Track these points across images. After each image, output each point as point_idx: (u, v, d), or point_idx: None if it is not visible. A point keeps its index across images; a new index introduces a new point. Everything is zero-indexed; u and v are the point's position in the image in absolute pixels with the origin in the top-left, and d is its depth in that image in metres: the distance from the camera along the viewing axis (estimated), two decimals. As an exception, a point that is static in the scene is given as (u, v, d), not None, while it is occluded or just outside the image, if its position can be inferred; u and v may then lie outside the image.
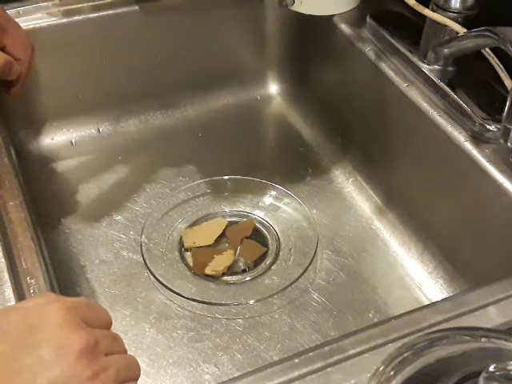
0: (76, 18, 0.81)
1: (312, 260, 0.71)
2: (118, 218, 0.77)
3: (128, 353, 0.43)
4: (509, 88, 0.63)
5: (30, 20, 0.78)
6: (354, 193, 0.81)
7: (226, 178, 0.80)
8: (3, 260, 0.53)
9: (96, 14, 0.81)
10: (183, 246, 0.73)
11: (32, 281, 0.52)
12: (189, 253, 0.73)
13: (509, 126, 0.60)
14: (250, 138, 0.90)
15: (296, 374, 0.43)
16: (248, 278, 0.70)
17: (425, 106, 0.69)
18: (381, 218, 0.78)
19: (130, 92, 0.88)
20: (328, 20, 0.81)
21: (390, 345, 0.45)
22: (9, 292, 0.51)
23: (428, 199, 0.72)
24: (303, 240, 0.74)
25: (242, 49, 0.92)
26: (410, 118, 0.71)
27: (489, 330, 0.43)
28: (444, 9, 0.67)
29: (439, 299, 0.52)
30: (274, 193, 0.79)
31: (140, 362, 0.42)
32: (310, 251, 0.72)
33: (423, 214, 0.73)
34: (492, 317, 0.47)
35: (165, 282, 0.68)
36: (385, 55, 0.75)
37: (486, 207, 0.64)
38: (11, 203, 0.59)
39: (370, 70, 0.76)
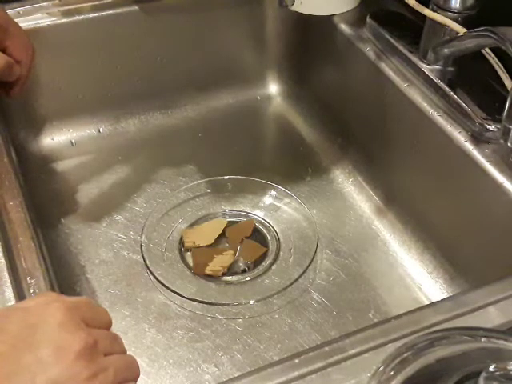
0: (76, 17, 0.81)
1: (312, 260, 0.71)
2: (118, 217, 0.77)
3: (128, 353, 0.43)
4: (509, 88, 0.63)
5: (30, 20, 0.79)
6: (354, 193, 0.81)
7: (226, 178, 0.80)
8: (3, 260, 0.53)
9: (96, 14, 0.81)
10: (183, 245, 0.73)
11: (32, 281, 0.52)
12: (189, 253, 0.73)
13: (509, 126, 0.60)
14: (250, 138, 0.90)
15: (296, 373, 0.43)
16: (248, 278, 0.70)
17: (425, 105, 0.69)
18: (381, 218, 0.77)
19: (129, 92, 0.88)
20: (328, 20, 0.81)
21: (389, 345, 0.45)
22: (9, 292, 0.51)
23: (428, 199, 0.72)
24: (303, 240, 0.74)
25: (242, 49, 0.92)
26: (410, 118, 0.71)
27: (489, 330, 0.43)
28: (444, 9, 0.67)
29: (439, 299, 0.52)
30: (274, 193, 0.79)
31: (140, 362, 0.42)
32: (309, 251, 0.72)
33: (423, 213, 0.73)
34: (492, 317, 0.47)
35: (165, 282, 0.68)
36: (385, 55, 0.75)
37: (486, 207, 0.64)
38: (11, 203, 0.59)
39: (370, 70, 0.76)
